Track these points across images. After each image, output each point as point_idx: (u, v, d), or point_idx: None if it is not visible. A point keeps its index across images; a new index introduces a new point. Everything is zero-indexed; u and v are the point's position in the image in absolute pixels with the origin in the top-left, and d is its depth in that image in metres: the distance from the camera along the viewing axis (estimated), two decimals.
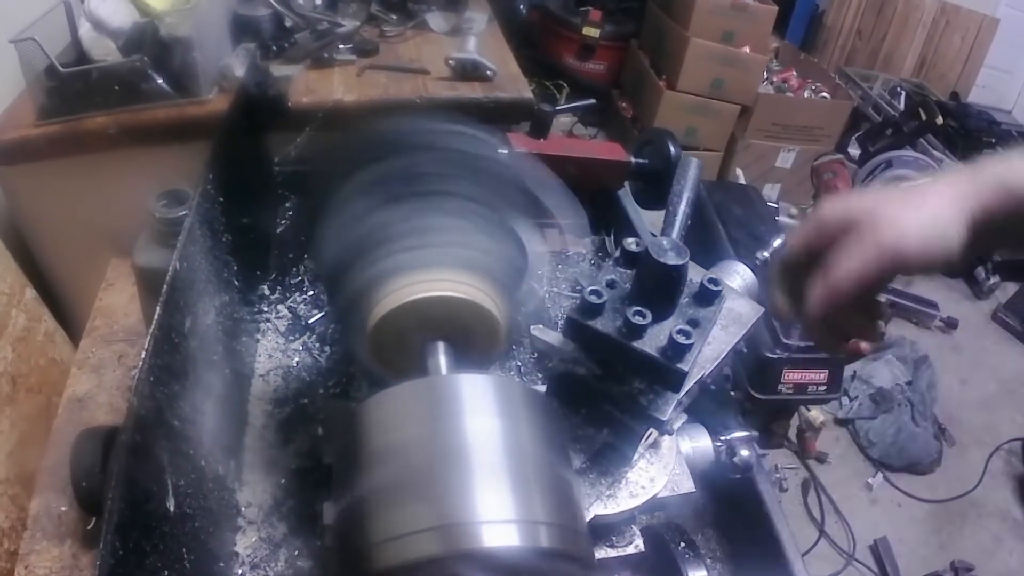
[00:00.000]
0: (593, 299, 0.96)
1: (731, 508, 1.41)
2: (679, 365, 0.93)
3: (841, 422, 4.35)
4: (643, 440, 1.10)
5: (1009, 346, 5.29)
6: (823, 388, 2.74)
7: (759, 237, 2.44)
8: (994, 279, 5.62)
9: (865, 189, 1.01)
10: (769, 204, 4.04)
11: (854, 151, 5.87)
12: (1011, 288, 5.60)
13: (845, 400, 4.35)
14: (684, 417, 1.11)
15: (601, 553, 1.12)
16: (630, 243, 1.05)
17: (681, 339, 0.91)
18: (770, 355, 2.49)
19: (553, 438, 0.89)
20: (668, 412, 1.00)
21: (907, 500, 4.02)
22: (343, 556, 0.80)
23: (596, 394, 1.04)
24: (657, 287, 0.96)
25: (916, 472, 4.17)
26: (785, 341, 2.51)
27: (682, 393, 1.00)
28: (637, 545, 1.13)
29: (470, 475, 0.77)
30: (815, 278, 0.96)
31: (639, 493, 1.10)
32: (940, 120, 5.85)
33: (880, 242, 0.92)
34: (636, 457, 1.12)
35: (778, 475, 3.62)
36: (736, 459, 1.21)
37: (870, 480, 4.07)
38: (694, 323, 0.97)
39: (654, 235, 1.36)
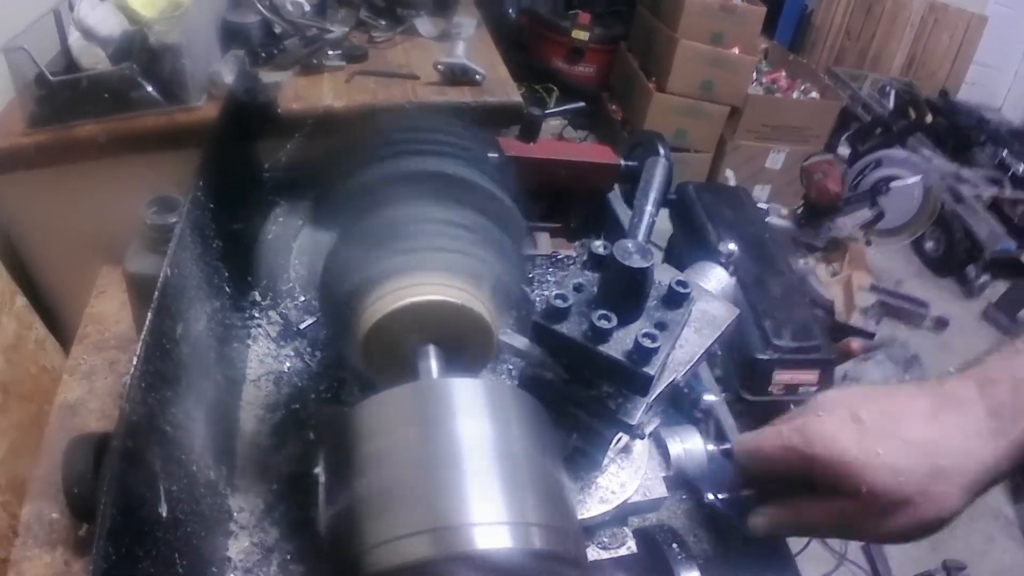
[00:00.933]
0: (558, 303, 0.96)
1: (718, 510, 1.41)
2: (645, 369, 0.92)
3: None
4: (613, 444, 1.10)
5: None
6: (814, 388, 2.74)
7: (749, 239, 2.45)
8: (984, 277, 5.65)
9: (860, 422, 0.97)
10: (759, 205, 4.05)
11: (844, 151, 5.90)
12: (1001, 286, 5.62)
13: None
14: (656, 421, 1.11)
15: (593, 555, 1.12)
16: (597, 246, 1.04)
17: (647, 342, 0.91)
18: (760, 356, 2.50)
19: (544, 440, 0.89)
20: (637, 416, 1.00)
21: None
22: (336, 561, 0.80)
23: (564, 398, 1.04)
24: (622, 290, 0.96)
25: None
26: (775, 342, 2.51)
27: (651, 397, 1.00)
28: (629, 547, 1.14)
29: (461, 478, 0.78)
30: (778, 502, 1.04)
31: (609, 498, 1.10)
32: (930, 118, 5.89)
33: (857, 533, 0.97)
34: (606, 462, 1.12)
35: None
36: (705, 501, 1.22)
37: None
38: (661, 326, 0.97)
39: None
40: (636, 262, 0.92)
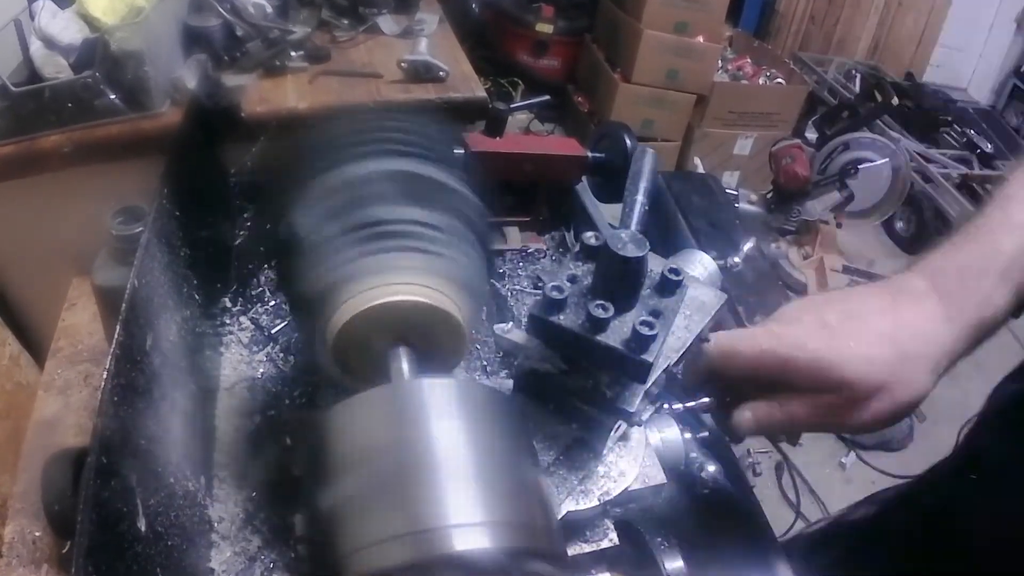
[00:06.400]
0: (555, 295, 0.96)
1: (705, 497, 1.41)
2: (644, 356, 0.93)
3: None
4: (612, 433, 1.10)
5: None
6: None
7: (720, 226, 2.45)
8: None
9: (821, 315, 1.07)
10: (728, 191, 4.07)
11: (811, 135, 5.93)
12: None
13: None
14: (652, 409, 1.11)
15: (575, 549, 1.12)
16: (589, 237, 1.05)
17: (645, 330, 0.91)
18: None
19: (519, 438, 0.89)
20: (636, 403, 1.00)
21: (881, 477, 4.06)
22: (316, 567, 0.80)
23: (563, 389, 1.04)
24: (618, 280, 0.96)
25: (888, 449, 4.21)
26: (750, 327, 2.52)
27: (649, 384, 1.00)
28: (611, 539, 1.14)
29: (438, 480, 0.78)
30: (761, 399, 1.08)
31: (610, 487, 1.10)
32: (896, 101, 5.92)
33: (841, 424, 1.03)
34: (605, 451, 1.12)
35: (751, 460, 3.64)
36: (704, 474, 1.22)
37: (843, 459, 4.11)
38: (657, 314, 0.97)
39: (613, 227, 1.36)
40: (631, 251, 0.92)
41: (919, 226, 5.74)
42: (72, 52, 2.01)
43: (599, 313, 0.93)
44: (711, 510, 1.38)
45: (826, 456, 4.14)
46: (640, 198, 1.28)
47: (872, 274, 5.29)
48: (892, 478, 4.05)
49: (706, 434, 1.30)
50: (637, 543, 1.15)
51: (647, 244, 0.95)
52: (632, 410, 1.01)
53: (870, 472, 4.08)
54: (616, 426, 1.10)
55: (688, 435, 1.23)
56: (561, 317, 0.97)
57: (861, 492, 3.91)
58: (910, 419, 4.28)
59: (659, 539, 1.14)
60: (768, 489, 3.87)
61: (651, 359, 0.93)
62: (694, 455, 1.23)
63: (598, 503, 1.08)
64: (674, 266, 1.02)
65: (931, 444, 4.26)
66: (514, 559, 0.75)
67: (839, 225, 5.26)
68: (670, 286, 1.01)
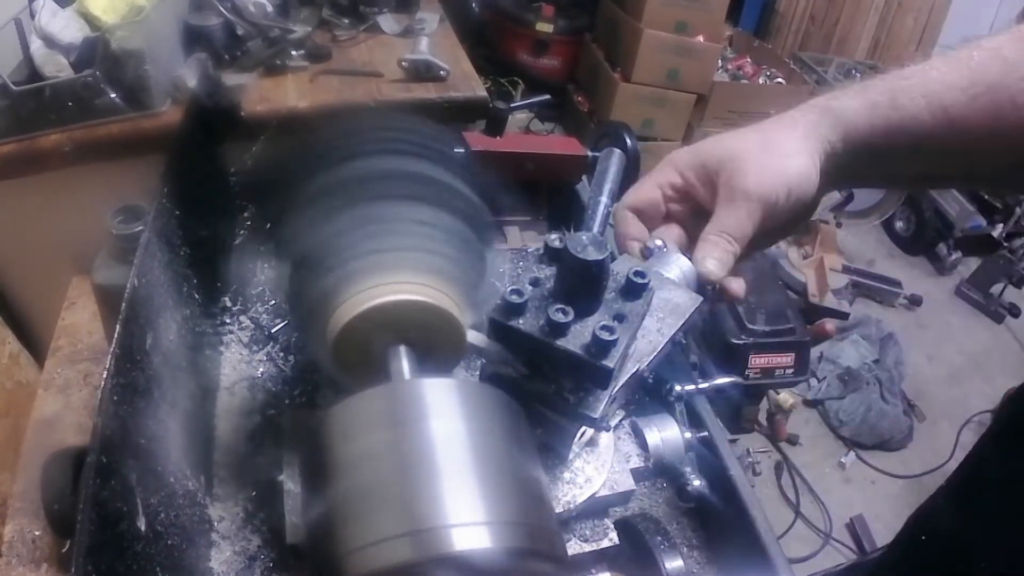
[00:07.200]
0: (514, 298, 0.95)
1: (704, 496, 1.41)
2: (604, 362, 0.91)
3: (811, 403, 4.39)
4: (577, 438, 1.10)
5: (973, 320, 5.36)
6: (790, 371, 2.76)
7: None
8: (956, 255, 5.68)
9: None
10: None
11: None
12: (973, 263, 5.67)
13: (813, 381, 4.39)
14: (622, 413, 1.11)
15: (576, 548, 1.12)
16: (553, 239, 1.04)
17: (605, 335, 0.90)
18: (735, 341, 2.51)
19: (519, 438, 0.89)
20: (600, 409, 0.99)
21: (881, 477, 4.06)
22: (316, 566, 0.80)
23: (525, 394, 1.03)
24: (578, 283, 0.95)
25: (888, 449, 4.22)
26: (750, 326, 2.53)
27: (613, 389, 0.99)
28: (612, 539, 1.14)
29: (438, 479, 0.77)
30: (705, 236, 1.09)
31: (576, 494, 1.10)
32: None
33: (748, 194, 1.05)
34: (572, 456, 1.12)
35: (751, 459, 3.65)
36: (689, 488, 1.21)
37: (843, 459, 4.11)
38: (620, 318, 0.96)
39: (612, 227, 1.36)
40: (590, 254, 0.91)
41: (919, 226, 5.75)
42: (72, 51, 2.01)
43: (559, 317, 0.92)
44: (711, 511, 1.38)
45: (825, 456, 4.15)
46: (604, 199, 1.27)
47: (872, 273, 5.30)
48: (892, 478, 4.06)
49: (706, 433, 1.30)
50: (637, 543, 1.15)
51: (608, 247, 0.94)
52: (596, 416, 1.00)
53: (870, 472, 4.09)
54: (581, 432, 1.10)
55: (688, 435, 1.23)
56: (520, 321, 0.96)
57: (860, 492, 3.93)
58: (910, 419, 4.29)
59: (659, 539, 1.14)
60: (768, 489, 3.87)
61: (612, 364, 0.92)
62: (687, 468, 1.22)
63: (563, 510, 1.08)
64: (639, 268, 1.01)
65: (931, 443, 4.27)
66: (515, 559, 0.75)
67: (839, 225, 5.26)
68: (636, 289, 1.00)
